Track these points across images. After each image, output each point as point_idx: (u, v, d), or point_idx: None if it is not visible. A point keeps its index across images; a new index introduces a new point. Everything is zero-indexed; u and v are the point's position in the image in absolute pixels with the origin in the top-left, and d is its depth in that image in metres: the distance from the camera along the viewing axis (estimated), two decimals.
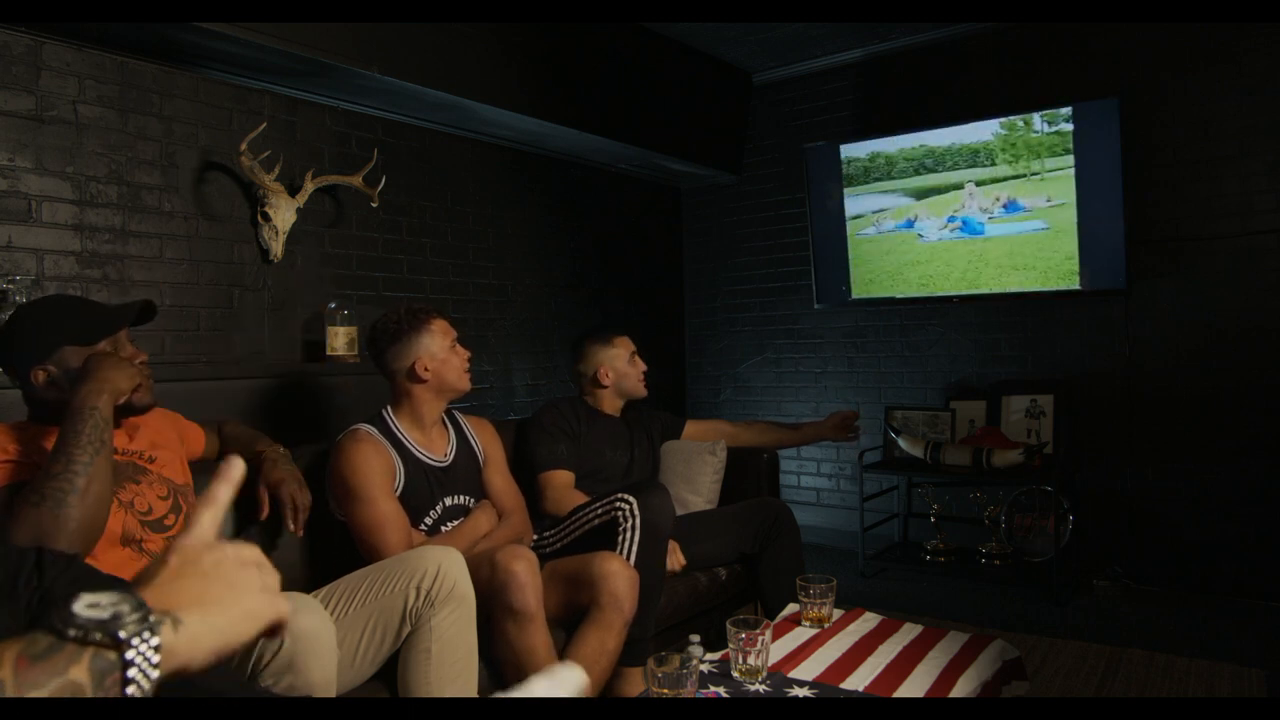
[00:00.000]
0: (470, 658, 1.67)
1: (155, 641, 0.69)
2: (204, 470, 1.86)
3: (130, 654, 0.68)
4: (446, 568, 1.62)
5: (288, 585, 1.83)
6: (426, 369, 2.05)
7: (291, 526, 1.78)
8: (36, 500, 1.26)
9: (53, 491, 1.27)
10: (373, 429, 2.01)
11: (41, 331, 1.51)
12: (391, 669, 1.66)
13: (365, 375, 2.73)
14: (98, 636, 0.67)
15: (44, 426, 1.50)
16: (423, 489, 2.03)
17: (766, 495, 2.76)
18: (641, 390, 2.70)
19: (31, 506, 1.26)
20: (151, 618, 0.71)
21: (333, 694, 1.43)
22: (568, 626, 1.95)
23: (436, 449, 2.10)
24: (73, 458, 1.30)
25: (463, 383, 2.10)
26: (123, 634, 0.68)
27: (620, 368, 2.65)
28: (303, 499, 1.80)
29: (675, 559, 2.32)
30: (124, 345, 1.58)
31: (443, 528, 2.05)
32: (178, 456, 1.73)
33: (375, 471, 1.91)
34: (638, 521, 2.02)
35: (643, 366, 2.70)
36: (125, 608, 0.69)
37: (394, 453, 2.00)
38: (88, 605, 0.68)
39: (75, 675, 0.65)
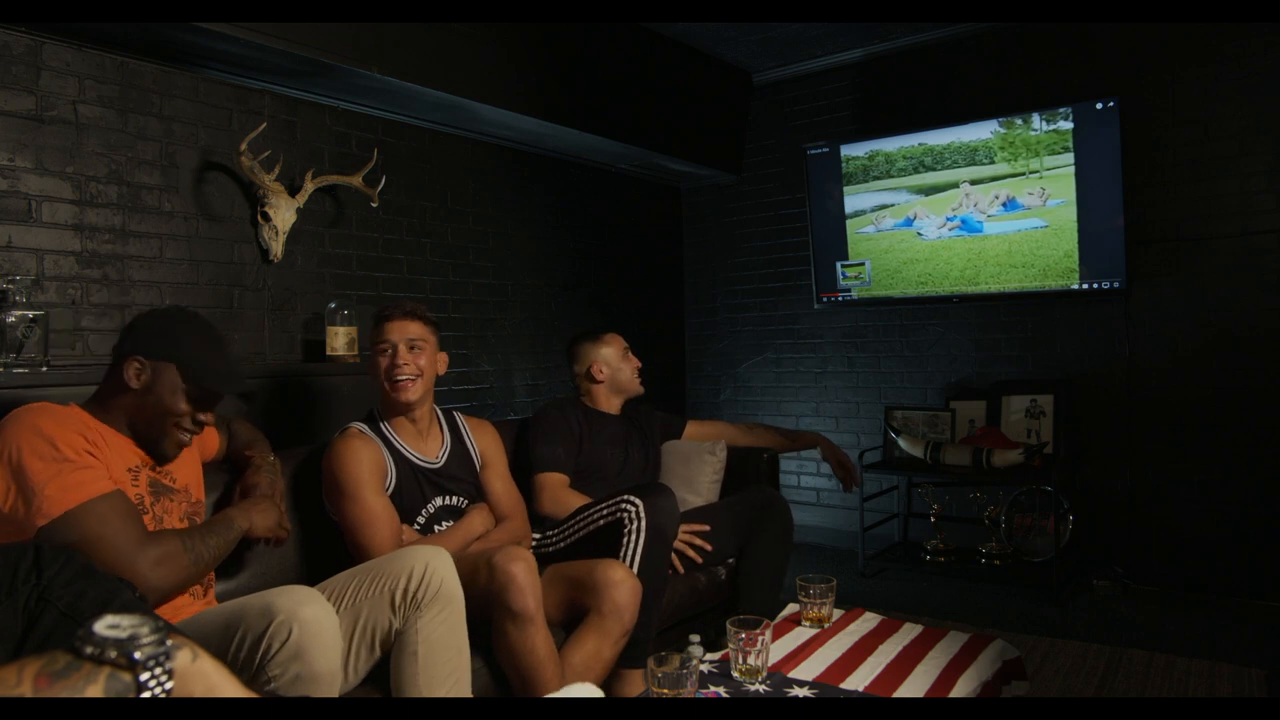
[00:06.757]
0: (461, 658, 1.65)
1: (170, 666, 0.70)
2: (210, 471, 1.86)
3: (144, 676, 0.68)
4: (434, 568, 1.60)
5: (286, 583, 1.83)
6: (369, 373, 2.09)
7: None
8: (185, 543, 1.46)
9: (198, 549, 1.49)
10: (364, 427, 2.02)
11: (172, 337, 1.57)
12: (387, 673, 1.65)
13: (365, 375, 2.73)
14: (113, 655, 0.68)
15: (107, 426, 1.52)
16: (413, 489, 2.02)
17: (766, 486, 2.77)
18: (638, 386, 2.72)
19: (182, 549, 1.45)
20: (169, 642, 0.71)
21: (337, 683, 1.43)
22: (568, 628, 1.95)
23: (428, 450, 2.10)
24: (216, 544, 1.54)
25: (388, 388, 2.02)
26: (138, 655, 0.68)
27: (614, 363, 2.66)
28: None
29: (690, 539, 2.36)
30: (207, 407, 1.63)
31: (436, 528, 2.05)
32: (196, 473, 1.75)
33: (365, 469, 1.91)
34: (643, 524, 2.02)
35: (636, 363, 2.71)
36: (144, 630, 0.70)
37: (385, 451, 2.00)
38: (109, 625, 0.69)
39: (91, 695, 0.65)
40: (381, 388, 2.04)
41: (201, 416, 1.59)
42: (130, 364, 1.53)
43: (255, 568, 1.91)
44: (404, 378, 1.99)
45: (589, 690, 1.48)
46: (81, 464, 1.38)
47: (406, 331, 2.02)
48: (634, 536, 2.01)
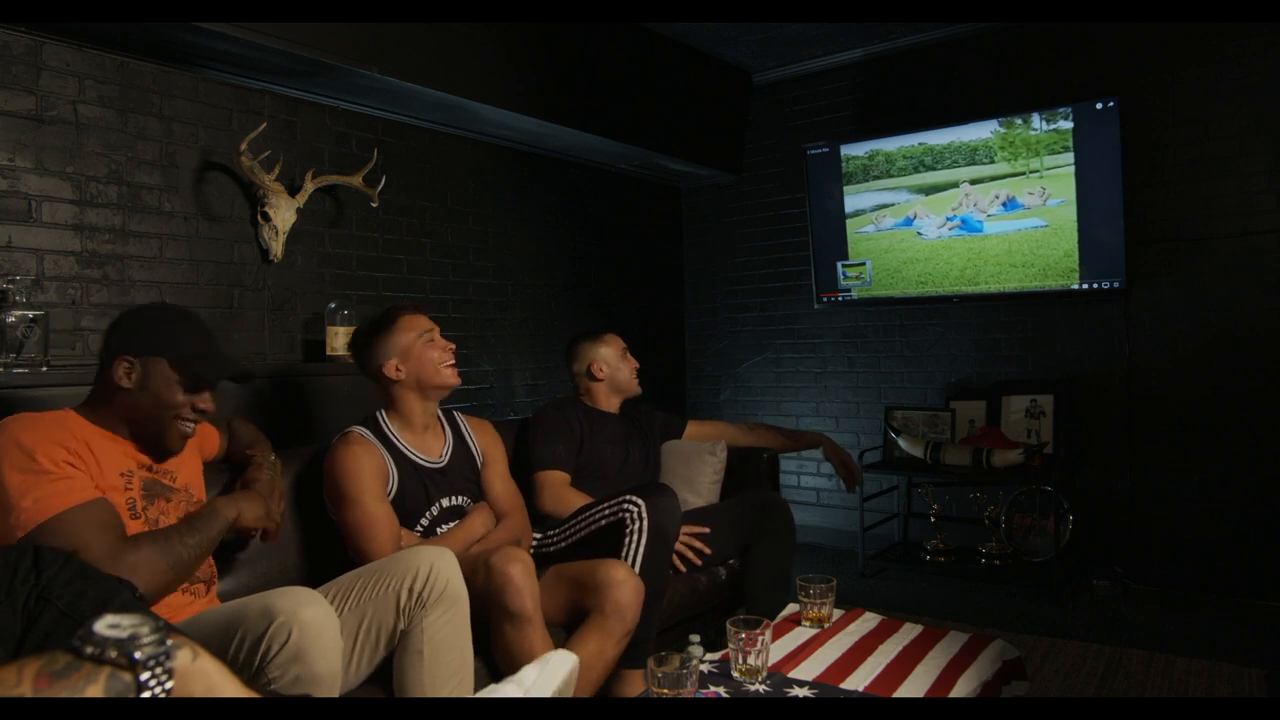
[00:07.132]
0: (464, 658, 1.66)
1: (170, 665, 0.70)
2: (211, 470, 1.86)
3: (145, 675, 0.68)
4: (439, 568, 1.61)
5: (287, 584, 1.83)
6: (399, 369, 2.05)
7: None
8: (163, 547, 1.42)
9: (176, 552, 1.44)
10: (365, 431, 2.01)
11: (156, 331, 1.56)
12: (389, 672, 1.65)
13: (365, 375, 2.73)
14: (113, 655, 0.68)
15: (98, 428, 1.51)
16: (417, 491, 2.02)
17: (766, 487, 2.77)
18: (636, 387, 2.73)
19: (159, 555, 1.40)
20: (169, 642, 0.71)
21: (338, 684, 1.43)
22: (569, 628, 1.95)
23: (431, 450, 2.09)
24: (198, 541, 1.49)
25: (440, 378, 2.06)
26: (138, 655, 0.68)
27: (613, 363, 2.67)
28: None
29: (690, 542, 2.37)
30: (205, 395, 1.61)
31: (439, 529, 2.04)
32: (197, 471, 1.74)
33: (365, 474, 1.91)
34: (645, 525, 2.01)
35: (634, 364, 2.72)
36: (144, 630, 0.70)
37: (386, 454, 1.99)
38: (109, 625, 0.69)
39: (91, 695, 0.65)
40: (430, 376, 2.05)
41: (200, 404, 1.58)
42: (119, 364, 1.52)
43: (256, 568, 1.91)
44: (455, 362, 2.10)
45: (566, 658, 1.47)
46: (59, 475, 1.37)
47: (435, 324, 2.13)
48: (636, 537, 2.01)
